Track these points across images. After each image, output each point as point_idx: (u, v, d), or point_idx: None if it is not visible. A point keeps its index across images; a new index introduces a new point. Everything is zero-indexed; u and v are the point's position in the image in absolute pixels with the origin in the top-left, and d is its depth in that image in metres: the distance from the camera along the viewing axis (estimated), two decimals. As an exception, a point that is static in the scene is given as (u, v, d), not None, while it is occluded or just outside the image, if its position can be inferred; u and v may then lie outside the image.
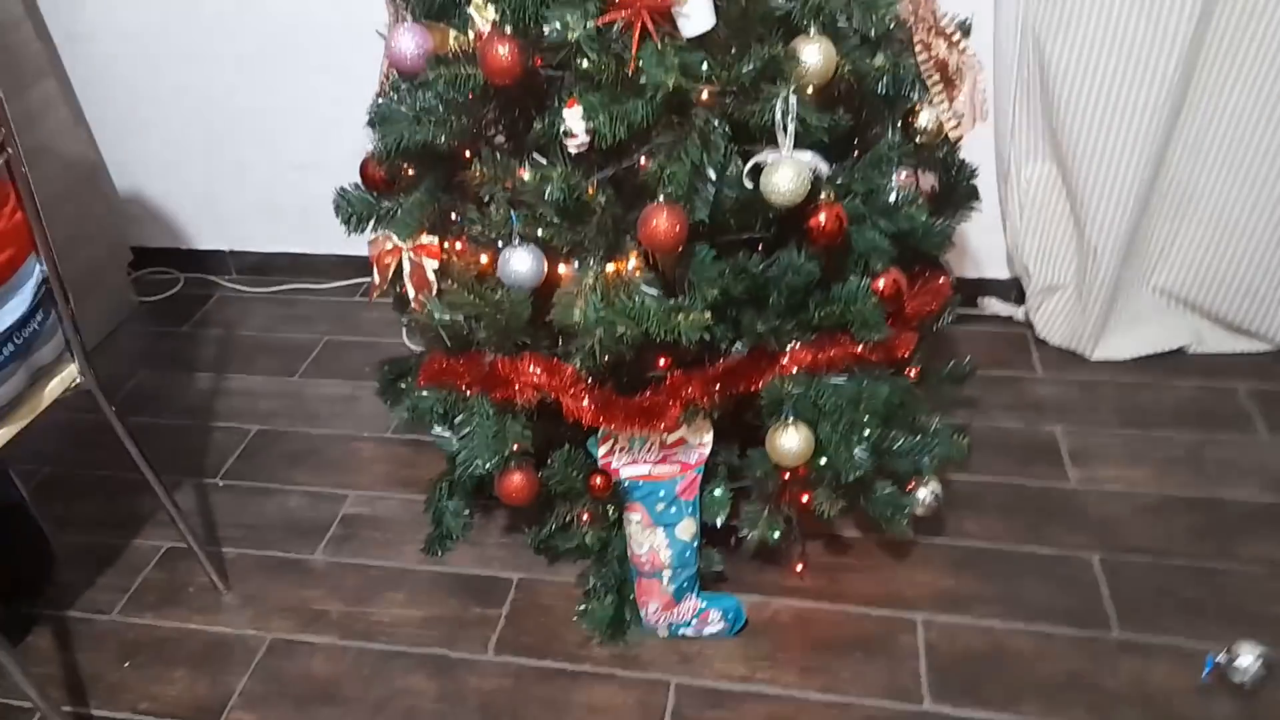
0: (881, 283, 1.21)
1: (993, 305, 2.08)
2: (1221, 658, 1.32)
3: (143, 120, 2.28)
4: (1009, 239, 1.96)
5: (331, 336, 2.22)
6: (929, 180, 1.44)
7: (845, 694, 1.35)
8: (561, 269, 1.22)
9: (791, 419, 1.25)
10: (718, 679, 1.38)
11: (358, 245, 1.49)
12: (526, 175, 1.17)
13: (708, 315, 1.17)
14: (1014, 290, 2.08)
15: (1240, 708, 1.28)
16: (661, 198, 1.12)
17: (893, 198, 1.23)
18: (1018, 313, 2.05)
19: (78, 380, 1.31)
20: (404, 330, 2.18)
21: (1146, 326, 1.91)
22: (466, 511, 1.64)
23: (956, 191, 1.45)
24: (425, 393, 1.38)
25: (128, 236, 2.44)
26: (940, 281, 1.39)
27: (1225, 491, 1.62)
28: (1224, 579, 1.47)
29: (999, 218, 1.99)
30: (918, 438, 1.41)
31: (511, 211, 1.20)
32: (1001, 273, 2.08)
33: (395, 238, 1.30)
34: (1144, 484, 1.65)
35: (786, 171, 1.09)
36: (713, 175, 1.14)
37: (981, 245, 2.05)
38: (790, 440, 1.24)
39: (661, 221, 1.10)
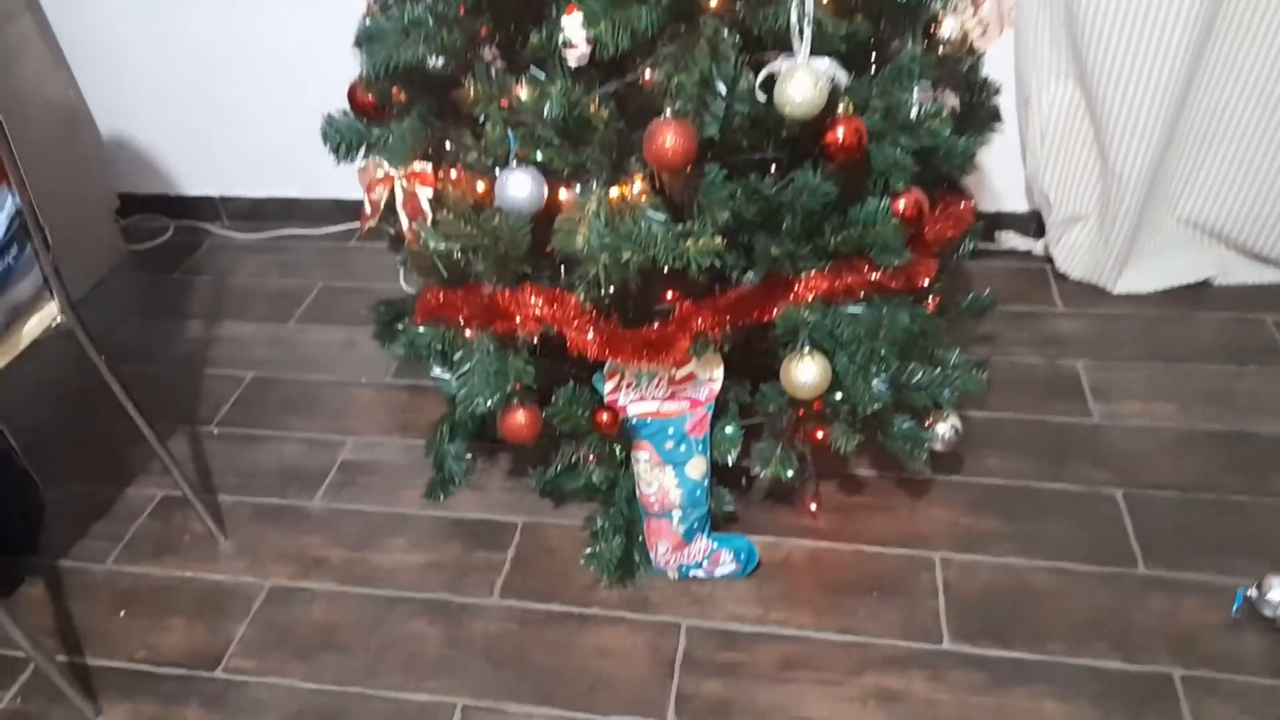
0: (902, 203, 1.14)
1: (1010, 239, 2.00)
2: (1252, 592, 1.27)
3: (126, 61, 2.19)
4: (1028, 168, 1.88)
5: (326, 282, 2.16)
6: (950, 99, 1.37)
7: (862, 634, 1.31)
8: (562, 194, 1.16)
9: (808, 349, 1.18)
10: (730, 620, 1.34)
11: (351, 189, 1.42)
12: (524, 92, 1.10)
13: (718, 240, 1.10)
14: (1033, 223, 2.01)
15: (1273, 642, 1.24)
16: (668, 113, 1.05)
17: (914, 113, 1.16)
18: (1036, 246, 1.98)
19: (58, 319, 1.25)
20: (400, 273, 2.10)
21: (1171, 258, 1.84)
22: (468, 455, 1.59)
23: (978, 112, 1.38)
24: (422, 330, 1.32)
25: (114, 183, 2.37)
26: (962, 206, 1.32)
27: (1253, 425, 1.56)
28: (1253, 513, 1.42)
29: (1018, 147, 1.91)
30: (937, 371, 1.35)
31: (509, 131, 1.13)
32: (1020, 205, 2.00)
33: (386, 165, 1.23)
34: (1169, 418, 1.59)
35: (803, 80, 1.01)
36: (722, 89, 1.07)
37: (999, 176, 1.97)
38: (807, 371, 1.18)
39: (668, 138, 1.03)
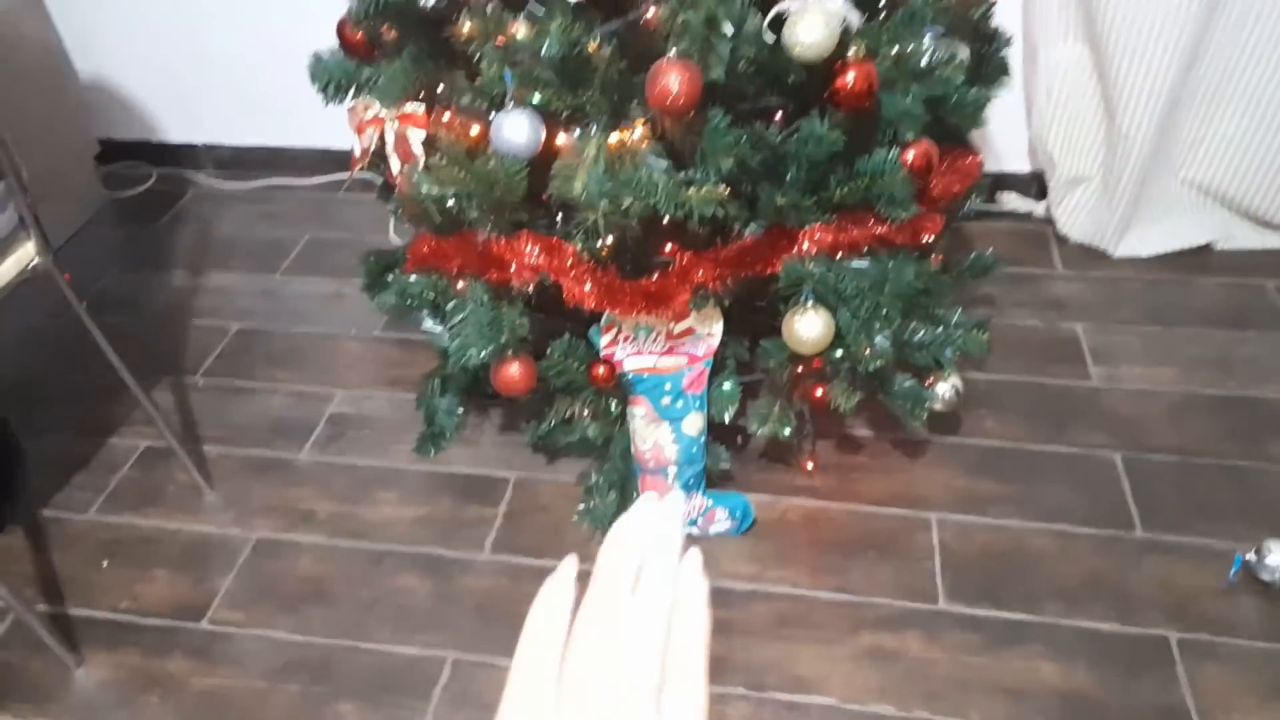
0: (911, 154, 1.10)
1: (1011, 201, 1.97)
2: (1250, 556, 1.26)
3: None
4: (1033, 127, 1.84)
5: (314, 234, 2.11)
6: (960, 51, 1.33)
7: (857, 594, 1.30)
8: (560, 138, 1.11)
9: (811, 303, 1.16)
10: (725, 578, 1.32)
11: (340, 137, 1.37)
12: (521, 30, 1.06)
13: (721, 188, 1.07)
14: (1034, 185, 1.97)
15: (1269, 607, 1.24)
16: (673, 54, 1.01)
17: (925, 60, 1.12)
18: (1038, 208, 1.95)
19: (35, 260, 1.21)
20: (390, 225, 2.06)
21: (1173, 221, 1.82)
22: (460, 409, 1.56)
23: (988, 63, 1.34)
24: (413, 279, 1.28)
25: (93, 127, 2.30)
26: (968, 161, 1.29)
27: (1253, 390, 1.55)
28: (1252, 478, 1.41)
29: (1021, 106, 1.87)
30: (939, 330, 1.33)
31: (505, 71, 1.08)
32: (1022, 166, 1.97)
33: (377, 106, 1.19)
34: (1168, 383, 1.58)
35: (814, 20, 0.97)
36: (729, 29, 1.02)
37: (1001, 136, 1.93)
38: (810, 326, 1.15)
39: (672, 81, 1.00)
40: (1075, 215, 1.85)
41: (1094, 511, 1.38)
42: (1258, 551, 1.26)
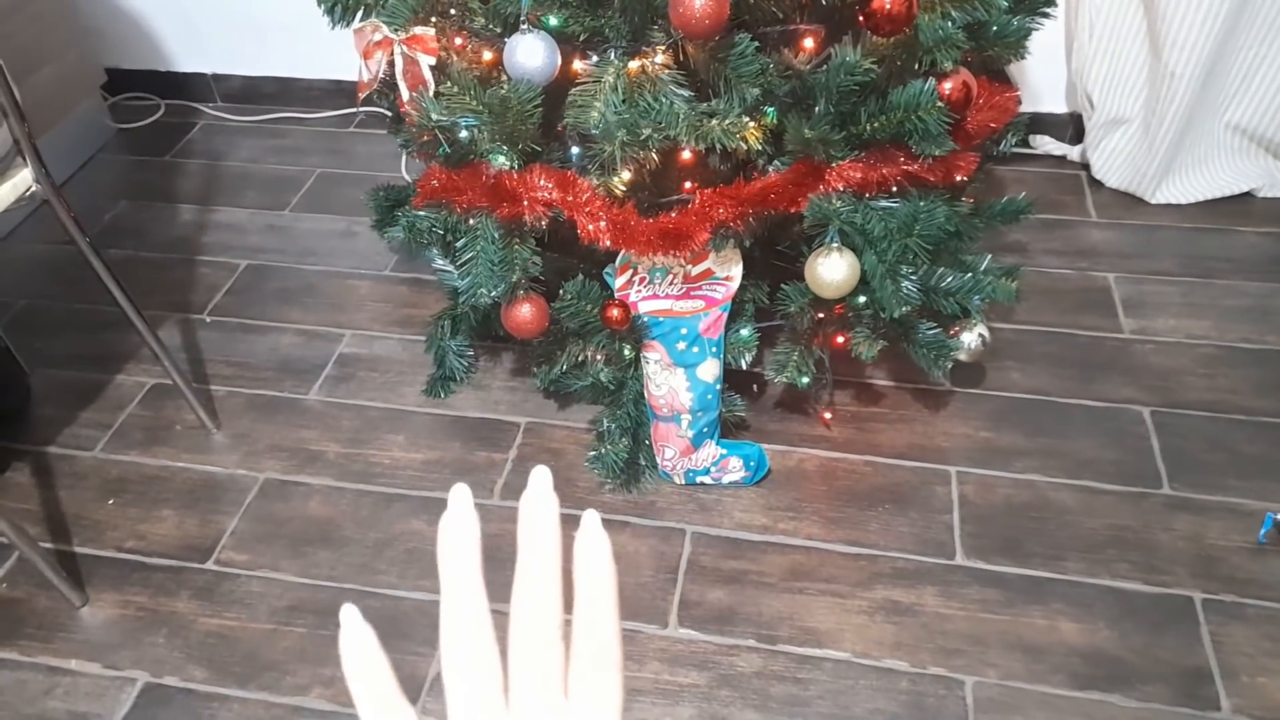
0: (949, 86, 1.04)
1: (1046, 144, 1.89)
2: (1282, 516, 1.22)
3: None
4: (1073, 64, 1.76)
5: (324, 169, 2.06)
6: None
7: (872, 547, 1.27)
8: (577, 64, 1.06)
9: (836, 245, 1.10)
10: (737, 528, 1.30)
11: (351, 69, 1.31)
12: (537, -53, 0.99)
13: (747, 120, 1.01)
14: (1070, 128, 1.89)
15: (1299, 568, 1.20)
16: (697, -26, 0.95)
17: (966, -15, 1.05)
18: (1073, 152, 1.87)
19: (32, 188, 1.17)
20: (402, 161, 2.01)
21: (1214, 168, 1.74)
22: (470, 352, 1.53)
23: (1031, -7, 1.26)
24: (422, 213, 1.24)
25: (99, 56, 2.23)
26: (1006, 95, 1.22)
27: (1293, 344, 1.49)
28: (1288, 436, 1.36)
29: (1060, 44, 1.78)
30: (967, 275, 1.27)
31: (519, -7, 1.02)
32: (1058, 106, 1.89)
33: (385, 28, 1.13)
34: (1203, 335, 1.52)
35: (849, -62, 0.91)
36: (758, -52, 0.96)
37: (1037, 74, 1.85)
38: (834, 268, 1.10)
39: (697, 0, 0.93)
40: (1112, 160, 1.77)
41: (1121, 467, 1.33)
42: (1291, 511, 1.22)
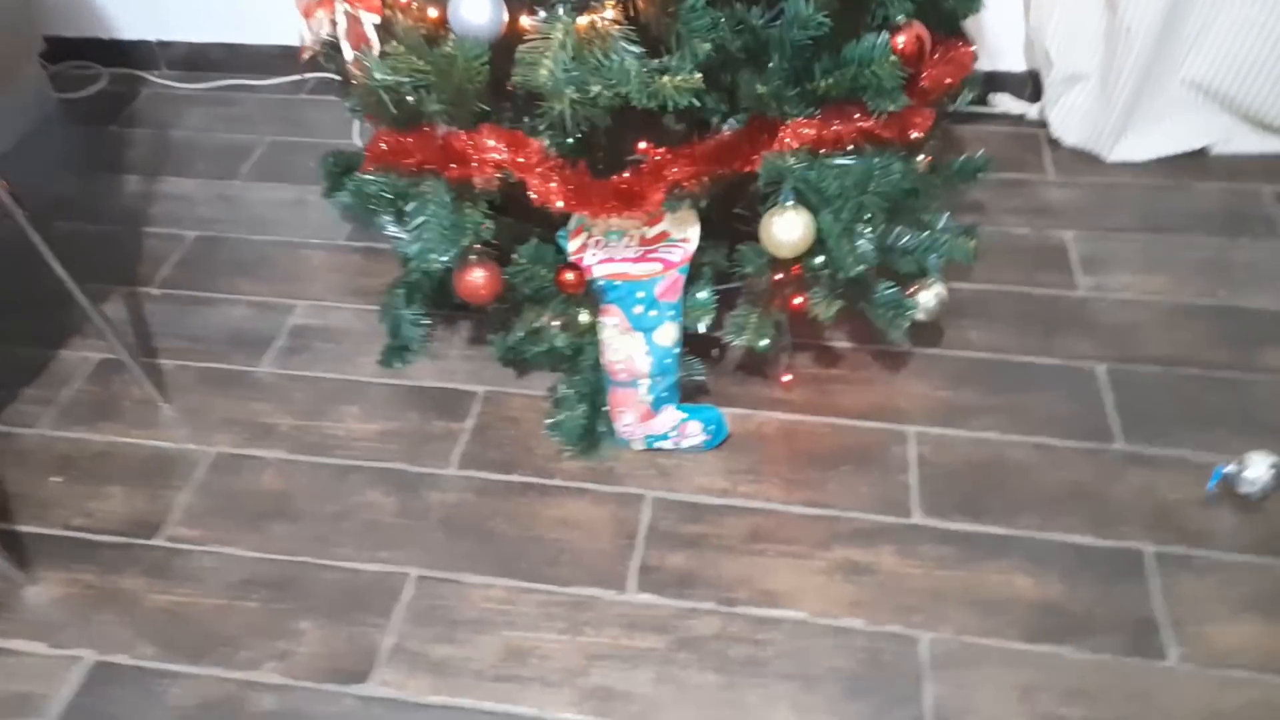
0: (902, 39, 1.03)
1: (1004, 102, 1.89)
2: (1231, 468, 1.24)
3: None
4: (1031, 20, 1.75)
5: (275, 138, 2.01)
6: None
7: (831, 507, 1.27)
8: (525, 20, 1.03)
9: (791, 203, 1.09)
10: (697, 492, 1.29)
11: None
12: (477, -102, 0.96)
13: (698, 76, 0.99)
14: (1029, 86, 1.89)
15: (1243, 519, 1.22)
16: (643, -76, 0.92)
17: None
18: (1031, 111, 1.87)
19: (-43, 157, 1.12)
20: (354, 128, 1.96)
21: (1171, 123, 1.75)
22: (426, 320, 1.50)
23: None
24: (370, 177, 1.21)
25: (38, 23, 2.16)
26: (961, 50, 1.21)
27: (1244, 299, 1.50)
28: (1239, 389, 1.37)
29: (1018, 1, 1.77)
30: (924, 234, 1.27)
31: (460, -54, 0.99)
32: (1017, 65, 1.88)
33: (324, -14, 1.09)
34: (1158, 291, 1.53)
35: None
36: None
37: (996, 32, 1.84)
38: (789, 227, 1.09)
39: (642, -46, 0.91)
40: (1070, 117, 1.77)
41: (1076, 424, 1.34)
42: (1238, 464, 1.23)
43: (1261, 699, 1.05)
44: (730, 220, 1.33)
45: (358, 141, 1.94)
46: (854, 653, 1.11)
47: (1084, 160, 1.79)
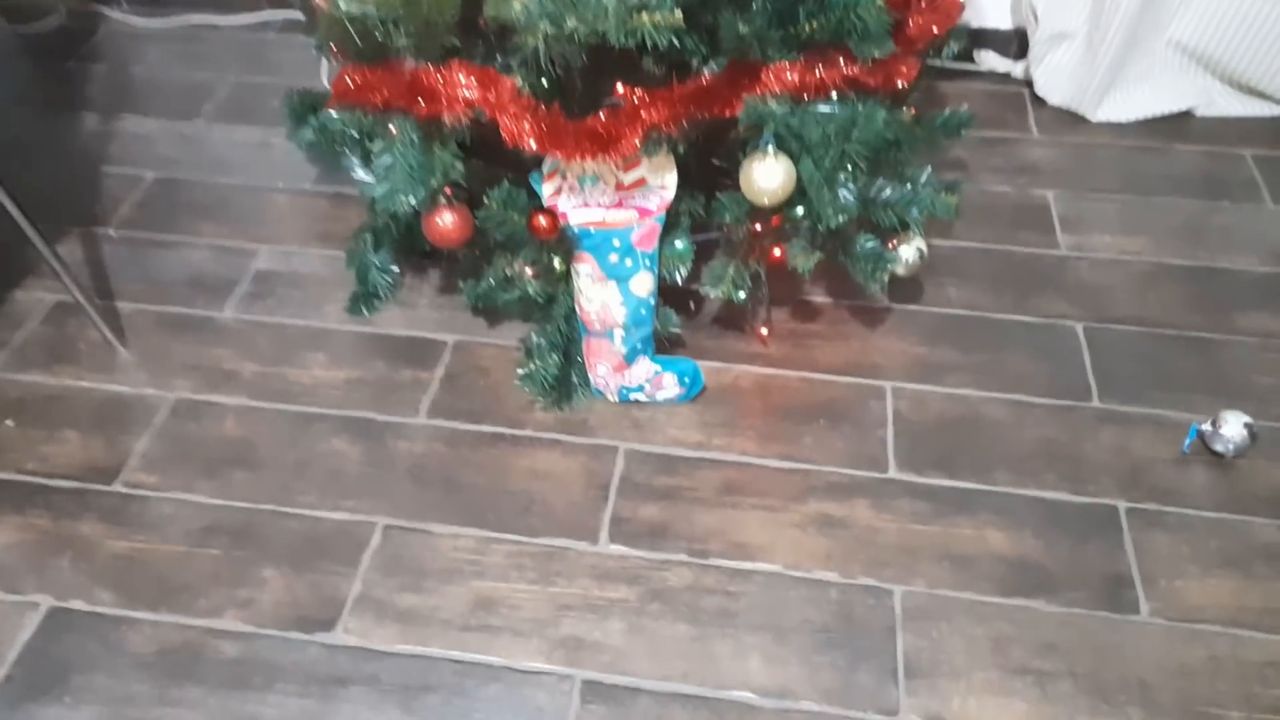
0: (889, -20, 0.99)
1: (989, 60, 1.86)
2: (1206, 427, 1.24)
3: None
4: (1018, -24, 1.72)
5: (239, 77, 1.94)
6: None
7: (806, 461, 1.25)
8: (496, -52, 0.98)
9: (772, 149, 1.06)
10: (671, 445, 1.27)
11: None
12: None
13: (678, 14, 0.95)
14: (1014, 44, 1.86)
15: (1219, 477, 1.22)
16: None
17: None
18: (1016, 69, 1.84)
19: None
20: (323, 69, 1.89)
21: (1155, 85, 1.73)
22: (394, 268, 1.46)
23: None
24: (335, 114, 1.16)
25: (-12, -50, 2.06)
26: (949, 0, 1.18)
27: (1224, 261, 1.50)
28: (1215, 350, 1.37)
29: (1007, -47, 1.74)
30: (906, 188, 1.24)
31: None
32: (1003, 22, 1.85)
33: (287, -94, 1.03)
34: (1138, 252, 1.52)
35: None
36: None
37: (983, -12, 1.81)
38: (770, 174, 1.06)
39: (623, -122, 0.86)
40: (1055, 76, 1.75)
41: (1053, 381, 1.34)
42: (1213, 422, 1.23)
43: (1230, 654, 1.05)
44: (709, 170, 1.30)
45: (325, 83, 1.87)
46: (827, 605, 1.10)
47: (1068, 120, 1.77)
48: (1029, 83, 1.81)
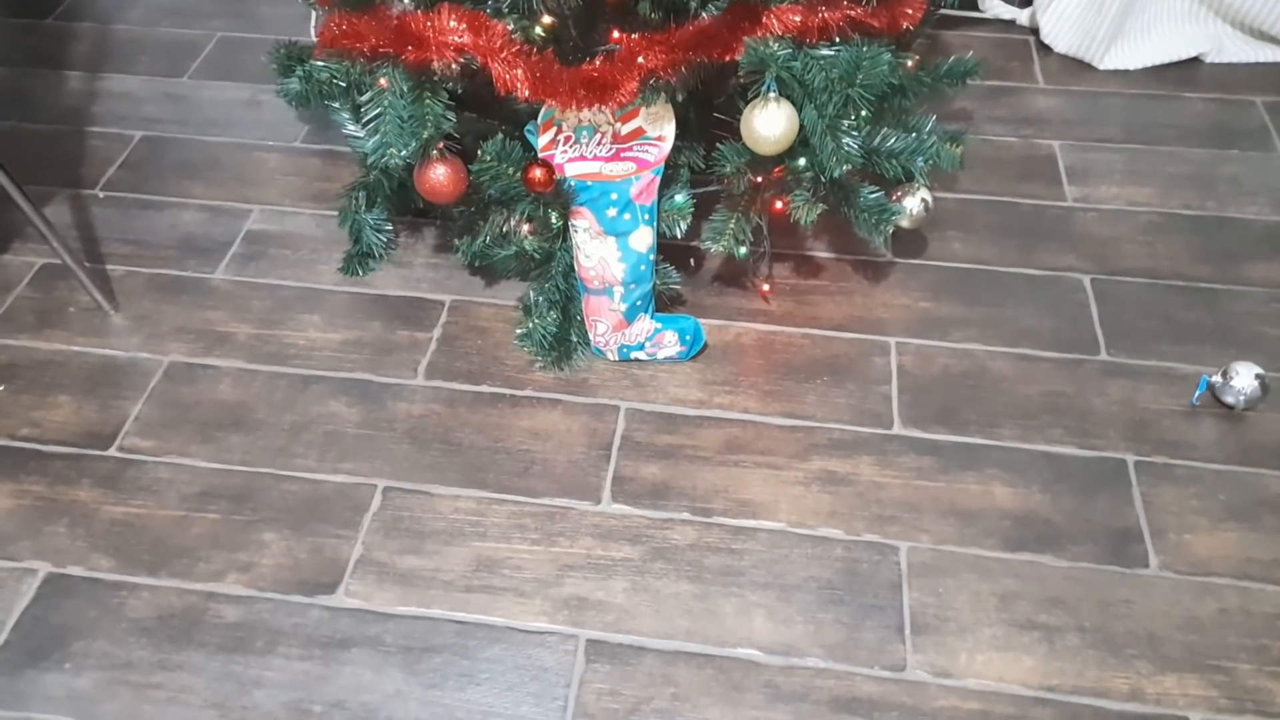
0: (896, -85, 0.95)
1: (995, 7, 1.82)
2: (1216, 379, 1.22)
3: None
4: (1025, -82, 1.67)
5: (226, 33, 1.89)
6: None
7: (809, 418, 1.24)
8: (486, -114, 0.94)
9: (774, 95, 1.03)
10: (672, 403, 1.26)
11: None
12: None
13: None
14: (1020, -12, 1.82)
15: (1229, 429, 1.20)
16: None
17: None
18: (1022, 16, 1.80)
19: None
20: (312, 22, 1.85)
21: (1163, 31, 1.69)
22: (389, 227, 1.44)
23: None
24: (322, 63, 1.12)
25: (-38, -96, 2.00)
26: (957, -63, 1.14)
27: (1233, 210, 1.47)
28: (1224, 300, 1.35)
29: (1014, -105, 1.69)
30: (910, 137, 1.21)
31: None
32: (1008, -34, 1.80)
33: None
34: (1146, 202, 1.49)
35: None
36: None
37: (989, -69, 1.76)
38: (772, 121, 1.03)
39: None
40: (1062, 23, 1.71)
41: (1059, 335, 1.32)
42: (1224, 374, 1.21)
43: (1240, 606, 1.04)
44: (708, 120, 1.26)
45: (314, 36, 1.83)
46: (831, 562, 1.09)
47: (1074, 68, 1.73)
48: (1035, 30, 1.77)
